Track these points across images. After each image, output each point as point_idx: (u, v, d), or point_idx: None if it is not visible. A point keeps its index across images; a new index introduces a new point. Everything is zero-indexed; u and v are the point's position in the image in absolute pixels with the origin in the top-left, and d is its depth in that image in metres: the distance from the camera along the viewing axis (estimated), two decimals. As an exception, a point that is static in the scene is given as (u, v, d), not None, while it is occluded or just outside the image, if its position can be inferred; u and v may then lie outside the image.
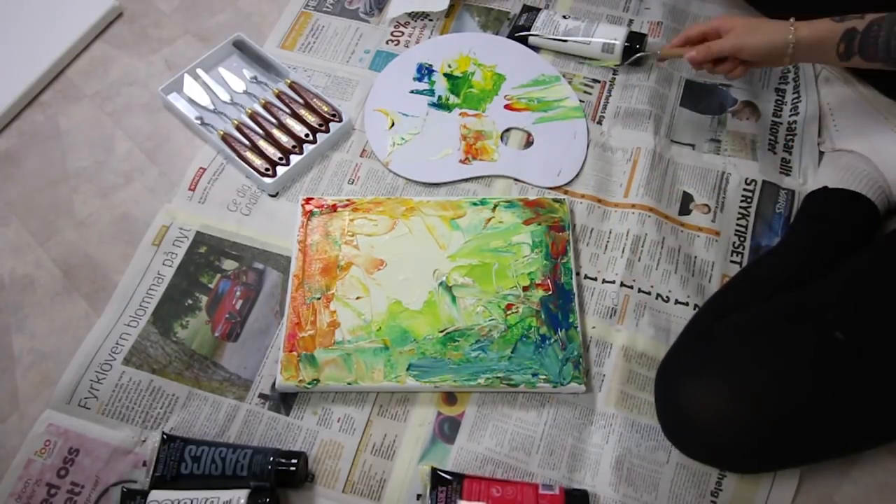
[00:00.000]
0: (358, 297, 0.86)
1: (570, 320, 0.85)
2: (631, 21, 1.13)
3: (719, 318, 0.80)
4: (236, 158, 0.97)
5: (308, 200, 0.94)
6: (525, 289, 0.87)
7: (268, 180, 0.96)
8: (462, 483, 0.75)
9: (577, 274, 0.90)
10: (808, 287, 0.78)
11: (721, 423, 0.72)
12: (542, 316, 0.85)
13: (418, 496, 0.77)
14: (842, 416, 0.72)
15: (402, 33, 1.12)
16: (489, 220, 0.92)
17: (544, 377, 0.81)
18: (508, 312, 0.85)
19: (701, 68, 0.91)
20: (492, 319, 0.85)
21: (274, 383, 0.82)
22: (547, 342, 0.83)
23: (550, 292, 0.87)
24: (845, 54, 0.79)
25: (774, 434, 0.72)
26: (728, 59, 0.88)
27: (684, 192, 0.97)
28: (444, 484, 0.75)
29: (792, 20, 0.82)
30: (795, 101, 1.05)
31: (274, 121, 1.01)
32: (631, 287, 0.89)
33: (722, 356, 0.75)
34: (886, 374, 0.71)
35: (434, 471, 0.76)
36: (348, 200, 0.94)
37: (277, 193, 0.97)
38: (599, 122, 1.03)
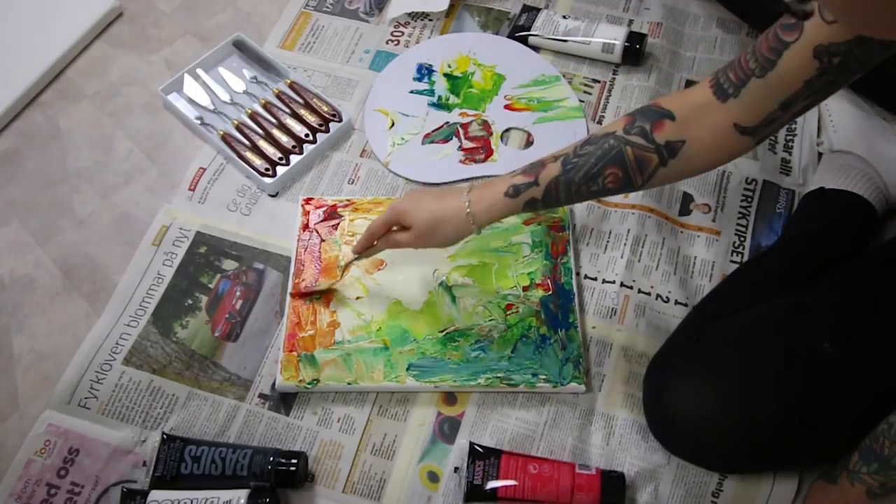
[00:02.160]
0: (358, 297, 0.86)
1: (570, 320, 0.85)
2: (631, 21, 1.13)
3: (711, 321, 0.81)
4: (236, 158, 0.97)
5: (308, 201, 0.94)
6: (525, 289, 0.87)
7: (268, 180, 0.96)
8: (500, 459, 0.76)
9: (577, 274, 0.90)
10: (801, 294, 0.78)
11: (703, 423, 0.73)
12: (542, 316, 0.85)
13: (455, 468, 0.78)
14: (825, 425, 0.72)
15: (402, 33, 1.12)
16: None
17: (544, 377, 0.81)
18: (508, 312, 0.85)
19: None
20: (492, 319, 0.85)
21: (274, 383, 0.82)
22: (547, 342, 0.83)
23: (550, 292, 0.87)
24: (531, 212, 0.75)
25: (755, 438, 0.73)
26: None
27: (684, 192, 0.97)
28: (481, 458, 0.76)
29: (466, 202, 0.73)
30: (795, 101, 1.05)
31: (274, 121, 1.01)
32: (631, 287, 0.89)
33: (709, 359, 0.76)
34: (872, 387, 0.71)
35: (472, 445, 0.77)
36: (348, 200, 0.94)
37: (277, 193, 0.97)
38: (599, 122, 1.03)
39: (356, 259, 0.83)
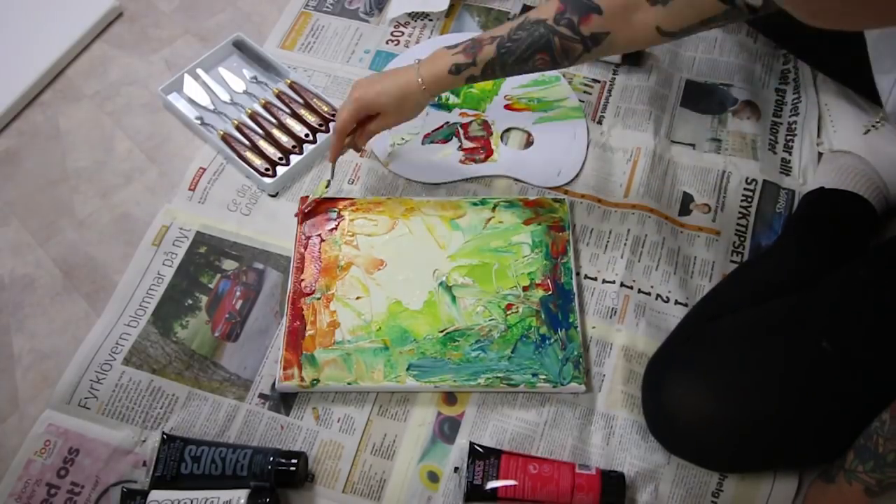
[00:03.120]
0: (358, 297, 0.86)
1: (570, 320, 0.85)
2: (631, 21, 1.13)
3: (711, 320, 0.81)
4: (236, 158, 0.97)
5: (307, 199, 0.94)
6: (525, 289, 0.87)
7: (268, 180, 0.96)
8: (500, 459, 0.76)
9: (577, 274, 0.90)
10: (800, 294, 0.78)
11: (702, 423, 0.73)
12: (542, 316, 0.85)
13: (455, 468, 0.78)
14: (825, 424, 0.72)
15: (402, 33, 1.12)
16: (489, 220, 0.92)
17: (544, 377, 0.81)
18: (508, 312, 0.85)
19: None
20: (492, 319, 0.85)
21: (274, 383, 0.82)
22: (547, 342, 0.83)
23: (550, 292, 0.87)
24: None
25: (755, 438, 0.73)
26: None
27: (684, 192, 0.97)
28: (481, 458, 0.76)
29: (420, 79, 0.82)
30: (795, 101, 1.05)
31: (274, 121, 1.01)
32: (631, 287, 0.89)
33: (708, 359, 0.76)
34: (871, 386, 0.71)
35: (472, 445, 0.77)
36: (348, 200, 0.94)
37: (277, 193, 0.97)
38: (599, 123, 1.03)
39: (333, 169, 0.91)
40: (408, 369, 0.82)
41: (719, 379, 0.74)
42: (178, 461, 0.75)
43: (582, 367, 0.82)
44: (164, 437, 0.77)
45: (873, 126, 0.90)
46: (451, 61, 0.80)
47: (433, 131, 1.01)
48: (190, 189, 0.97)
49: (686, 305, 0.88)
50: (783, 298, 0.79)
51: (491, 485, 0.75)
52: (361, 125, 0.87)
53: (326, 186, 0.93)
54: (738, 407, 0.72)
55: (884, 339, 0.72)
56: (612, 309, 0.88)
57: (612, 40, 0.75)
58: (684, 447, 0.77)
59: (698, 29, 0.73)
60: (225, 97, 1.03)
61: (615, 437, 0.80)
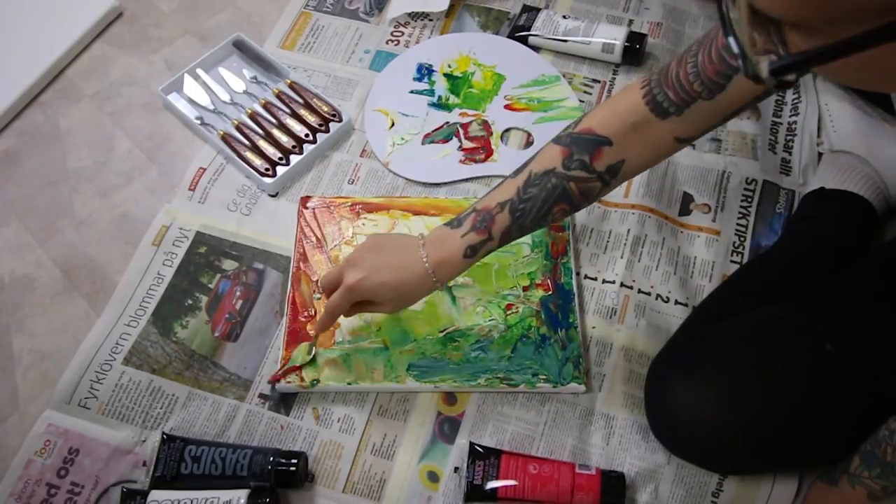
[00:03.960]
0: (358, 297, 0.86)
1: (570, 320, 0.85)
2: (631, 21, 1.13)
3: (714, 322, 0.81)
4: (236, 158, 0.97)
5: (306, 200, 0.94)
6: (525, 289, 0.87)
7: (268, 180, 0.95)
8: (500, 459, 0.76)
9: (577, 274, 0.90)
10: (802, 296, 0.78)
11: (705, 425, 0.73)
12: (542, 316, 0.85)
13: (455, 468, 0.78)
14: (827, 426, 0.72)
15: (402, 33, 1.12)
16: None
17: (544, 377, 0.81)
18: (508, 312, 0.85)
19: None
20: (492, 319, 0.85)
21: (274, 383, 0.82)
22: (547, 342, 0.83)
23: (550, 292, 0.87)
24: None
25: (757, 439, 0.73)
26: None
27: (684, 192, 0.97)
28: (481, 458, 0.76)
29: (430, 270, 0.73)
30: (795, 101, 1.05)
31: (274, 121, 1.01)
32: (631, 287, 0.89)
33: (711, 360, 0.76)
34: (875, 388, 0.71)
35: (472, 445, 0.77)
36: (349, 200, 0.94)
37: (277, 193, 0.97)
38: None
39: (315, 340, 0.83)
40: (408, 369, 0.82)
41: (722, 381, 0.74)
42: (178, 461, 0.75)
43: (582, 367, 0.82)
44: (164, 437, 0.77)
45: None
46: (464, 244, 0.72)
47: (433, 131, 1.01)
48: (190, 189, 0.97)
49: (686, 305, 0.88)
50: (785, 300, 0.79)
51: (491, 485, 0.75)
52: (355, 305, 0.78)
53: (308, 353, 0.83)
54: (741, 409, 0.72)
55: (887, 342, 0.72)
56: (612, 309, 0.88)
57: (629, 166, 0.69)
58: (687, 448, 0.77)
59: (720, 124, 0.68)
60: (225, 97, 1.03)
61: (615, 437, 0.80)
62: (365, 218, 0.92)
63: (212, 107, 1.02)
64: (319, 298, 0.86)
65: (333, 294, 0.76)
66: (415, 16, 1.14)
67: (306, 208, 0.93)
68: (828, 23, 0.37)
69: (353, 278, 0.74)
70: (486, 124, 1.02)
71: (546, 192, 0.70)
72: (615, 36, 1.05)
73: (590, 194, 0.71)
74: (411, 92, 1.05)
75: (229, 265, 0.91)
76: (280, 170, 0.97)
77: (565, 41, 1.08)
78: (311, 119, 1.01)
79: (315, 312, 0.85)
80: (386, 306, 0.77)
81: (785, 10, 0.38)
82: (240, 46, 1.08)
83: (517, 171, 0.72)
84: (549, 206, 0.70)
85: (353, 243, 0.90)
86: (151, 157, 1.01)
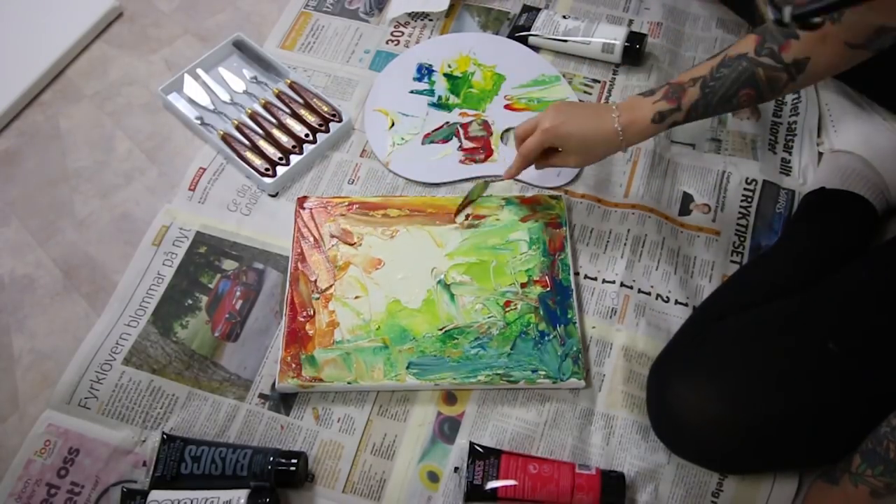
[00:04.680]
0: (356, 297, 0.86)
1: (569, 316, 0.85)
2: (631, 21, 1.13)
3: (716, 321, 0.81)
4: (236, 158, 0.97)
5: (303, 200, 0.94)
6: (523, 285, 0.87)
7: (268, 180, 0.96)
8: (500, 459, 0.76)
9: (577, 274, 0.90)
10: (805, 294, 0.78)
11: (707, 424, 0.73)
12: (541, 312, 0.85)
13: (455, 468, 0.78)
14: (830, 425, 0.72)
15: (402, 33, 1.12)
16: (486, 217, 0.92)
17: (544, 373, 0.81)
18: (507, 309, 0.85)
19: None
20: (490, 316, 0.85)
21: (274, 383, 0.82)
22: (546, 338, 0.83)
23: (548, 289, 0.87)
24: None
25: (760, 438, 0.73)
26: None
27: (684, 192, 0.97)
28: (481, 458, 0.76)
29: (619, 129, 0.79)
30: (795, 101, 1.05)
31: (274, 121, 1.01)
32: (631, 287, 0.89)
33: (714, 359, 0.76)
34: (877, 387, 0.71)
35: (472, 445, 0.77)
36: (346, 200, 0.94)
37: (277, 193, 0.97)
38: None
39: (503, 179, 0.91)
40: (407, 368, 0.82)
41: (724, 380, 0.74)
42: (178, 461, 0.75)
43: (581, 362, 0.82)
44: (164, 437, 0.77)
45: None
46: (654, 109, 0.78)
47: (433, 131, 1.01)
48: (190, 189, 0.97)
49: (686, 305, 0.88)
50: (787, 300, 0.79)
51: (491, 485, 0.75)
52: (543, 153, 0.85)
53: (483, 188, 0.93)
54: (743, 408, 0.72)
55: (888, 340, 0.72)
56: (612, 309, 0.88)
57: (814, 65, 0.72)
58: (689, 448, 0.77)
59: (882, 38, 0.69)
60: (225, 97, 1.03)
61: (615, 437, 0.80)
62: (365, 219, 0.92)
63: (212, 107, 1.02)
64: (318, 298, 0.86)
65: (528, 138, 0.83)
66: (415, 16, 1.14)
67: (303, 208, 0.93)
68: None
69: (550, 122, 0.81)
70: (486, 124, 1.02)
71: (736, 73, 0.74)
72: (615, 36, 1.05)
73: (775, 85, 0.74)
74: (411, 92, 1.05)
75: (229, 265, 0.91)
76: (280, 170, 0.97)
77: (565, 41, 1.08)
78: (311, 119, 1.01)
79: (314, 312, 0.85)
80: (572, 157, 0.84)
81: None
82: (240, 46, 1.08)
83: (714, 55, 0.77)
84: (736, 88, 0.75)
85: (354, 243, 0.90)
86: (151, 157, 1.01)
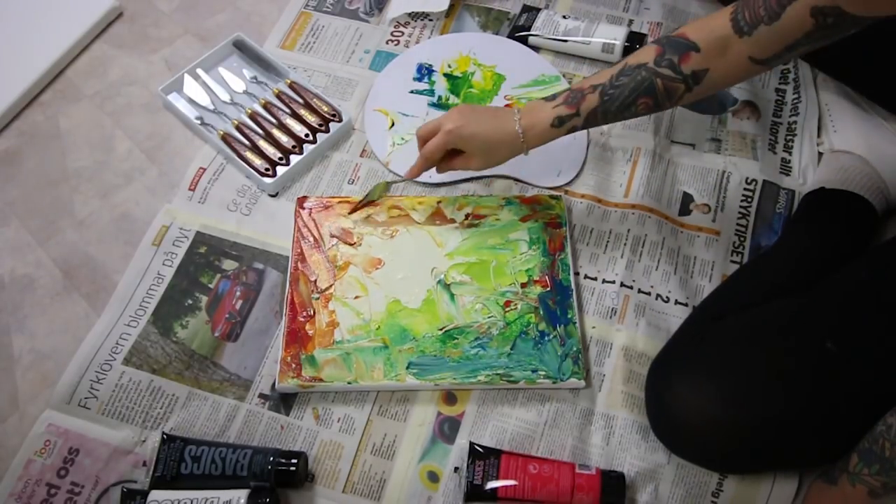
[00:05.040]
0: (356, 297, 0.86)
1: (569, 316, 0.85)
2: (631, 21, 1.13)
3: (715, 321, 0.81)
4: (236, 158, 0.97)
5: (303, 200, 0.94)
6: (523, 285, 0.87)
7: (268, 180, 0.96)
8: (500, 459, 0.76)
9: (577, 274, 0.90)
10: (804, 294, 0.78)
11: (706, 424, 0.73)
12: (541, 312, 0.85)
13: (455, 468, 0.78)
14: (829, 424, 0.72)
15: (402, 33, 1.12)
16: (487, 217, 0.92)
17: (544, 373, 0.81)
18: (507, 309, 0.85)
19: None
20: (490, 316, 0.85)
21: (274, 383, 0.82)
22: (546, 338, 0.83)
23: (548, 288, 0.87)
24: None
25: (759, 438, 0.73)
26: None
27: (684, 192, 0.97)
28: (481, 458, 0.76)
29: (520, 131, 0.81)
30: (795, 101, 1.05)
31: (274, 121, 1.01)
32: (631, 287, 0.89)
33: (713, 359, 0.76)
34: (876, 386, 0.71)
35: (472, 445, 0.77)
36: (345, 199, 0.94)
37: (277, 193, 0.97)
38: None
39: (404, 179, 0.93)
40: (407, 368, 0.82)
41: (724, 380, 0.74)
42: (178, 461, 0.75)
43: (581, 362, 0.82)
44: (164, 437, 0.77)
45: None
46: (553, 114, 0.79)
47: (433, 131, 1.01)
48: (190, 189, 0.97)
49: (686, 305, 0.88)
50: (786, 299, 0.79)
51: (491, 485, 0.75)
52: (446, 156, 0.86)
53: (386, 190, 0.93)
54: (742, 408, 0.72)
55: (887, 340, 0.72)
56: (612, 309, 0.88)
57: (712, 77, 0.74)
58: (688, 448, 0.77)
59: (787, 55, 0.71)
60: (225, 97, 1.03)
61: (615, 437, 0.80)
62: (364, 218, 0.92)
63: (212, 107, 1.02)
64: (318, 298, 0.86)
65: (431, 139, 0.84)
66: (415, 16, 1.14)
67: (303, 209, 0.93)
68: None
69: (452, 124, 0.82)
70: (485, 124, 1.02)
71: (635, 83, 0.76)
72: (615, 36, 1.05)
73: (673, 94, 0.76)
74: (411, 92, 1.05)
75: (229, 265, 0.91)
76: (280, 170, 0.97)
77: (565, 41, 1.08)
78: (311, 119, 1.01)
79: (314, 312, 0.85)
80: (475, 160, 0.84)
81: None
82: (240, 46, 1.08)
83: (615, 64, 0.78)
84: (635, 97, 0.77)
85: (354, 243, 0.90)
86: (151, 157, 1.01)
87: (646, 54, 0.76)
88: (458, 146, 0.84)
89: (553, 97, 0.80)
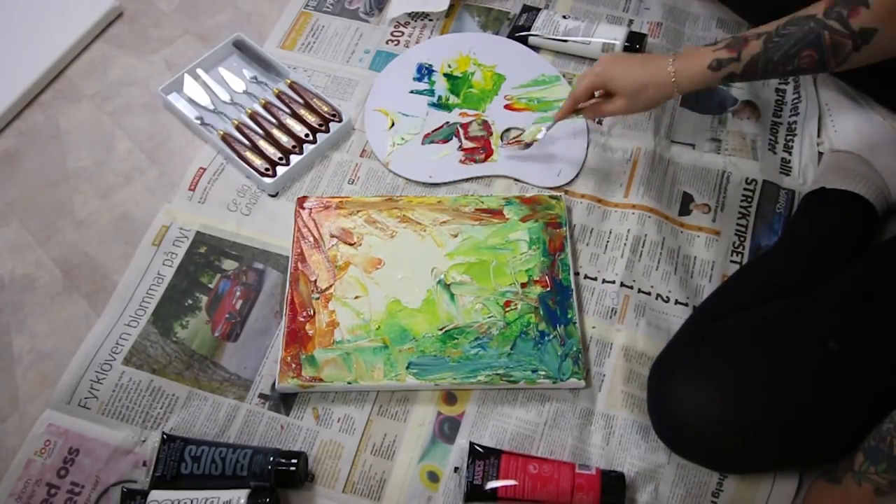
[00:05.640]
0: (356, 297, 0.86)
1: (569, 316, 0.85)
2: (631, 21, 1.13)
3: (716, 321, 0.81)
4: (236, 158, 0.97)
5: (303, 200, 0.94)
6: (523, 285, 0.87)
7: (268, 180, 0.96)
8: (500, 459, 0.76)
9: (577, 274, 0.90)
10: (805, 293, 0.78)
11: (708, 423, 0.73)
12: (541, 312, 0.85)
13: (455, 468, 0.78)
14: (831, 424, 0.72)
15: (402, 33, 1.12)
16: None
17: (544, 373, 0.81)
18: (507, 309, 0.85)
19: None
20: (490, 316, 0.85)
21: (274, 383, 0.82)
22: (546, 338, 0.83)
23: (548, 288, 0.87)
24: (726, 84, 0.80)
25: (760, 438, 0.73)
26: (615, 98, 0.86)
27: (684, 192, 0.97)
28: (481, 458, 0.76)
29: (672, 70, 0.79)
30: (795, 101, 1.05)
31: (274, 121, 1.01)
32: (631, 287, 0.89)
33: (715, 359, 0.76)
34: (878, 385, 0.71)
35: (472, 445, 0.77)
36: (345, 199, 0.94)
37: (277, 193, 0.97)
38: (599, 122, 1.03)
39: (552, 125, 0.93)
40: (407, 367, 0.82)
41: (725, 380, 0.74)
42: (178, 461, 0.75)
43: (581, 362, 0.82)
44: (164, 437, 0.77)
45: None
46: (713, 56, 0.77)
47: (433, 131, 1.01)
48: (190, 189, 0.97)
49: (686, 305, 0.88)
50: (787, 299, 0.79)
51: (491, 485, 0.75)
52: (596, 99, 0.86)
53: (538, 133, 0.95)
54: (744, 407, 0.72)
55: (889, 339, 0.72)
56: (612, 309, 0.88)
57: (882, 39, 0.70)
58: (690, 448, 0.77)
59: None
60: (225, 97, 1.03)
61: (615, 437, 0.80)
62: (364, 218, 0.92)
63: (212, 107, 1.02)
64: (318, 298, 0.86)
65: (579, 79, 0.84)
66: (415, 16, 1.14)
67: (303, 209, 0.93)
68: None
69: (599, 66, 0.82)
70: (486, 124, 1.02)
71: (802, 32, 0.73)
72: (615, 36, 1.05)
73: (839, 51, 0.72)
74: (411, 92, 1.05)
75: (229, 265, 0.91)
76: (280, 170, 0.97)
77: (565, 41, 1.08)
78: (311, 119, 1.01)
79: (314, 312, 0.85)
80: (620, 102, 0.83)
81: None
82: (240, 46, 1.08)
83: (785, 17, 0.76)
84: (800, 48, 0.73)
85: (354, 242, 0.90)
86: (151, 157, 1.01)
87: (816, 6, 0.73)
88: (607, 87, 0.83)
89: (714, 42, 0.78)
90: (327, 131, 1.00)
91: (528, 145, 0.97)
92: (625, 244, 0.92)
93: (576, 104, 0.87)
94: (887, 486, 0.67)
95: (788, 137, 1.02)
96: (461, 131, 1.01)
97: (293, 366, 0.82)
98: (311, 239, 0.91)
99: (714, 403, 0.73)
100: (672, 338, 0.83)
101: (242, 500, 0.72)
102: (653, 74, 0.80)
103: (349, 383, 0.81)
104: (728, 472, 0.78)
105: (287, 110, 1.02)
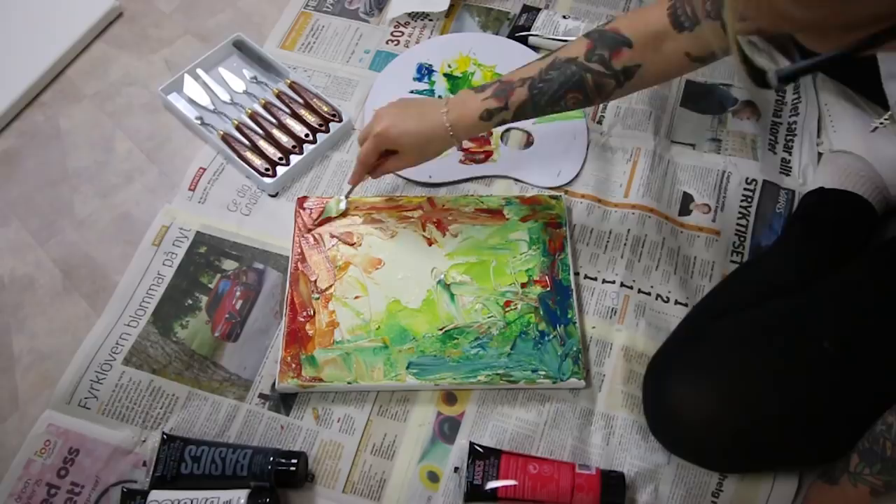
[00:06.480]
0: (356, 297, 0.86)
1: (569, 316, 0.85)
2: (631, 21, 1.13)
3: (713, 320, 0.81)
4: (236, 158, 0.97)
5: (303, 200, 0.94)
6: (523, 285, 0.87)
7: (268, 180, 0.96)
8: (500, 459, 0.76)
9: (577, 274, 0.90)
10: (801, 294, 0.78)
11: (704, 423, 0.73)
12: (541, 312, 0.85)
13: (455, 468, 0.78)
14: (826, 424, 0.72)
15: (402, 33, 1.12)
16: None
17: (544, 373, 0.81)
18: (507, 309, 0.85)
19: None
20: (490, 316, 0.85)
21: (274, 383, 0.82)
22: (546, 338, 0.83)
23: (548, 288, 0.87)
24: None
25: (756, 438, 0.73)
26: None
27: (684, 192, 0.97)
28: (481, 458, 0.76)
29: (448, 125, 0.79)
30: (795, 101, 1.05)
31: (274, 121, 1.01)
32: (631, 287, 0.89)
33: (711, 358, 0.76)
34: (873, 386, 0.71)
35: (472, 445, 0.77)
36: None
37: (277, 193, 0.97)
38: (599, 122, 1.03)
39: (350, 191, 0.91)
40: (407, 368, 0.82)
41: (721, 379, 0.74)
42: (178, 461, 0.75)
43: (581, 362, 0.82)
44: (164, 437, 0.77)
45: (881, 124, 0.90)
46: (482, 107, 0.78)
47: (433, 131, 1.01)
48: (190, 189, 0.97)
49: (686, 305, 0.88)
50: (784, 299, 0.79)
51: (491, 485, 0.75)
52: (381, 158, 0.85)
53: (339, 204, 0.92)
54: (740, 407, 0.72)
55: (885, 340, 0.72)
56: (612, 309, 0.88)
57: (644, 72, 0.73)
58: (686, 447, 0.77)
59: (724, 55, 0.71)
60: (225, 97, 1.03)
61: (615, 437, 0.80)
62: (365, 217, 0.92)
63: (212, 107, 1.02)
64: (318, 298, 0.86)
65: (363, 142, 0.84)
66: (415, 16, 1.14)
67: (303, 209, 0.93)
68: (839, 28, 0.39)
69: (380, 126, 0.82)
70: (485, 124, 1.02)
71: (565, 77, 0.75)
72: (615, 36, 1.05)
73: (603, 90, 0.75)
74: (411, 92, 1.05)
75: (229, 265, 0.91)
76: (280, 170, 0.97)
77: (565, 41, 1.07)
78: (311, 119, 1.01)
79: (314, 312, 0.85)
80: (409, 157, 0.84)
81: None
82: (240, 46, 1.08)
83: (544, 56, 0.77)
84: (563, 91, 0.75)
85: (354, 242, 0.90)
86: (151, 157, 1.01)
87: (576, 48, 0.75)
88: (391, 147, 0.83)
89: (482, 89, 0.79)
90: (327, 131, 1.00)
91: (329, 219, 0.92)
92: (625, 244, 0.92)
93: (366, 169, 0.86)
94: (882, 486, 0.68)
95: (788, 137, 1.02)
96: (461, 131, 1.01)
97: (293, 366, 0.82)
98: (312, 239, 0.91)
99: (709, 402, 0.73)
100: (669, 337, 0.83)
101: (242, 500, 0.72)
102: (433, 129, 0.80)
103: (349, 383, 0.81)
104: (722, 471, 0.78)
105: (287, 110, 1.02)
